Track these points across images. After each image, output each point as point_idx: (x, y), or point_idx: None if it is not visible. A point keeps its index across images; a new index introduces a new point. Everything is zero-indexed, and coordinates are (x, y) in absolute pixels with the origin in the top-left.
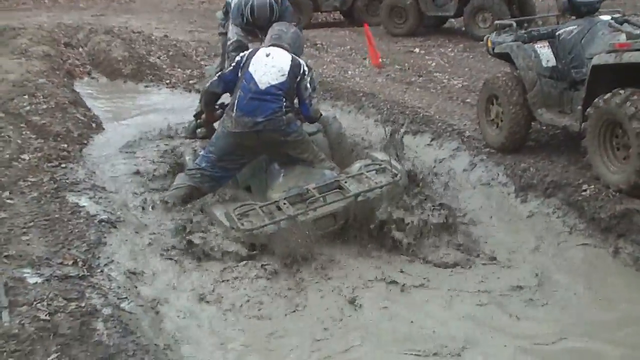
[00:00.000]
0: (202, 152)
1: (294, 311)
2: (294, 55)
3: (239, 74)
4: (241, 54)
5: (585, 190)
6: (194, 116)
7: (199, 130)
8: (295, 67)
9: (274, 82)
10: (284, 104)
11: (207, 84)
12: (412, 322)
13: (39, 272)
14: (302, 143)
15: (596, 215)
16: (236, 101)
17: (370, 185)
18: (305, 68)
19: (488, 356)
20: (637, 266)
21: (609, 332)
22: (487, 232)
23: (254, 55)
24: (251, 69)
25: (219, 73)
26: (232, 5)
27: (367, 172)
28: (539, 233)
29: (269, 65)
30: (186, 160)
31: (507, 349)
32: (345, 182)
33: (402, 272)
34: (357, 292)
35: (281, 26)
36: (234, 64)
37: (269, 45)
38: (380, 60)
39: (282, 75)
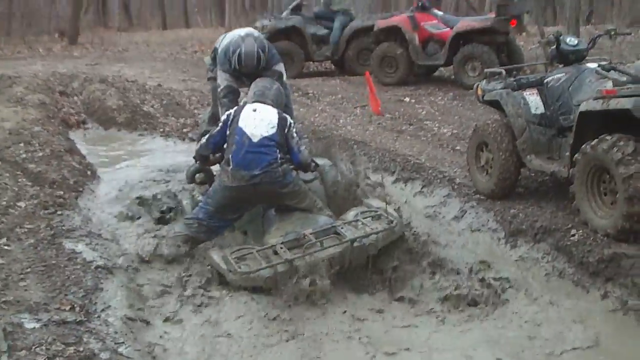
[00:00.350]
0: (200, 203)
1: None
2: (278, 110)
3: (228, 132)
4: (227, 112)
5: (573, 235)
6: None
7: (197, 175)
8: (282, 120)
9: (265, 134)
10: (278, 155)
11: (197, 146)
12: None
13: (36, 317)
14: (299, 194)
15: (585, 260)
16: (231, 156)
17: (366, 231)
18: (291, 121)
19: None
20: (625, 310)
21: None
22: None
23: (240, 111)
24: (241, 124)
25: (207, 136)
26: (220, 51)
27: (363, 218)
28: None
29: (257, 119)
30: (184, 205)
31: None
32: (342, 228)
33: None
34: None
35: (264, 82)
36: (221, 124)
37: (253, 102)
38: (380, 108)
39: (272, 127)
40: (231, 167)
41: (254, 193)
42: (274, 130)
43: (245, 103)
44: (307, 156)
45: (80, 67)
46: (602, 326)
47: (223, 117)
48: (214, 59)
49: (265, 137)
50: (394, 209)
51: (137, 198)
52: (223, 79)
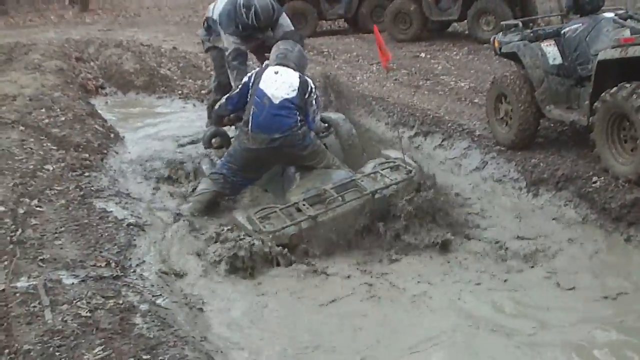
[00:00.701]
0: (221, 160)
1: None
2: (300, 74)
3: (249, 93)
4: (248, 75)
5: (595, 182)
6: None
7: (214, 139)
8: (303, 83)
9: (286, 96)
10: (298, 118)
11: (216, 107)
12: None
13: (74, 273)
14: (318, 154)
15: (607, 206)
16: (250, 117)
17: (385, 182)
18: (312, 86)
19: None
20: None
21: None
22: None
23: (262, 73)
24: (262, 85)
25: (227, 96)
26: (219, 15)
27: (382, 170)
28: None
29: (279, 81)
30: (203, 169)
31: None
32: (361, 181)
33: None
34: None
35: (286, 45)
36: (240, 85)
37: (275, 64)
38: (389, 63)
39: (293, 90)
40: (250, 129)
41: (273, 155)
42: (294, 93)
43: (267, 65)
44: (320, 126)
45: (94, 33)
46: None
47: (244, 79)
48: (207, 28)
49: (286, 99)
50: (412, 159)
51: (161, 160)
52: (230, 42)
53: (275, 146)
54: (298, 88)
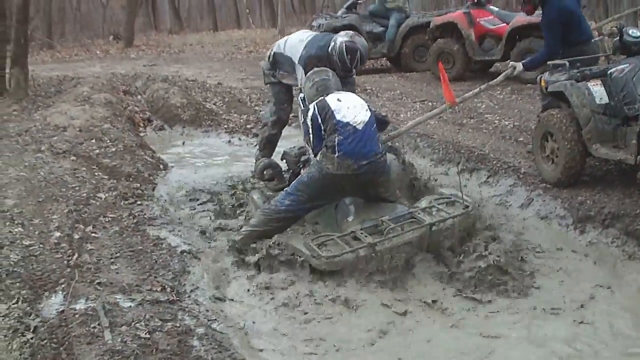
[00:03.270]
0: (286, 190)
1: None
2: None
3: (324, 128)
4: (309, 114)
5: None
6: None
7: (265, 171)
8: (365, 102)
9: (365, 119)
10: (381, 145)
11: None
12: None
13: (130, 297)
14: (389, 182)
15: None
16: (337, 143)
17: (442, 216)
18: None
19: None
20: None
21: None
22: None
23: (327, 105)
24: (338, 116)
25: (309, 147)
26: (305, 59)
27: (438, 204)
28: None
29: (350, 106)
30: (254, 199)
31: None
32: (418, 214)
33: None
34: None
35: (320, 74)
36: (315, 130)
37: (326, 96)
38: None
39: (366, 110)
40: (338, 155)
41: (355, 182)
42: (369, 113)
43: (321, 99)
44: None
45: (139, 68)
46: None
47: (308, 122)
48: (273, 63)
49: (367, 124)
50: (467, 195)
51: (209, 193)
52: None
53: (360, 173)
54: (367, 105)
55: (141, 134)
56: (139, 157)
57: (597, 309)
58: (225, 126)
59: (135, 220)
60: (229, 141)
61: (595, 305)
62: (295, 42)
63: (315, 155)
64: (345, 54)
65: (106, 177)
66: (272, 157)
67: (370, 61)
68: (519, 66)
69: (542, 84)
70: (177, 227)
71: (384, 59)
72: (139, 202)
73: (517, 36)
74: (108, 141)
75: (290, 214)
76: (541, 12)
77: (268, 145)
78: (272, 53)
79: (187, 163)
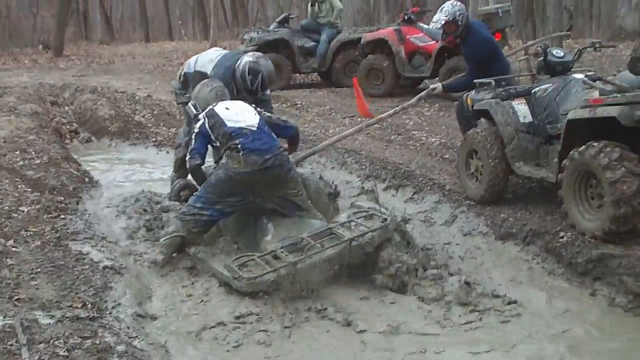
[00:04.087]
0: (193, 196)
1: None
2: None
3: (213, 136)
4: (198, 124)
5: (562, 237)
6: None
7: (182, 192)
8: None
9: (256, 122)
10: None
11: (188, 164)
12: None
13: (50, 313)
14: (298, 182)
15: (573, 260)
16: (239, 143)
17: (361, 230)
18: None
19: None
20: (613, 306)
21: None
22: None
23: (216, 114)
24: (229, 124)
25: (192, 151)
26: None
27: (357, 219)
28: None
29: (239, 112)
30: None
31: None
32: (338, 229)
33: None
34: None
35: (212, 82)
36: (199, 135)
37: (217, 103)
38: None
39: (255, 114)
40: (242, 152)
41: (262, 178)
42: (258, 116)
43: (210, 108)
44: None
45: (68, 79)
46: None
47: (196, 129)
48: (184, 82)
49: (259, 125)
50: (385, 208)
51: (135, 205)
52: None
53: (267, 166)
54: (255, 109)
55: (67, 146)
56: (64, 170)
57: None
58: (154, 139)
59: (57, 235)
60: (157, 154)
61: None
62: (205, 62)
63: (191, 156)
64: (247, 74)
65: (29, 189)
66: (188, 178)
67: (300, 76)
68: (439, 87)
69: (468, 101)
70: (100, 242)
71: (315, 73)
72: (62, 216)
73: (446, 54)
74: (33, 153)
75: (204, 217)
76: (460, 43)
77: (183, 165)
78: (182, 73)
79: (114, 176)
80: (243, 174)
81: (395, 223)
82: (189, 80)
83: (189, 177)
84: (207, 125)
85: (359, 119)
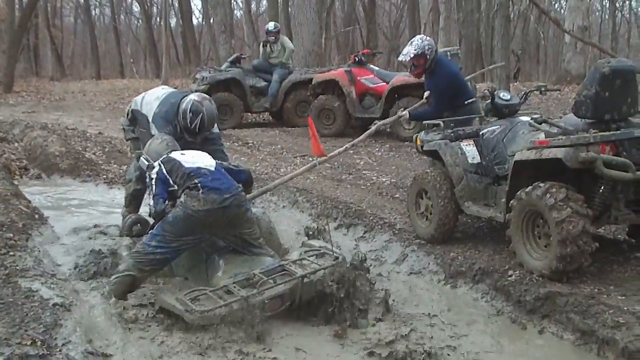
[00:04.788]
0: (150, 234)
1: None
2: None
3: (172, 180)
4: (154, 170)
5: (510, 276)
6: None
7: (134, 227)
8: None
9: (213, 163)
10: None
11: (152, 210)
12: None
13: None
14: (253, 221)
15: (522, 298)
16: (199, 182)
17: (313, 267)
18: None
19: None
20: (561, 343)
21: None
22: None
23: (172, 159)
24: (187, 165)
25: (155, 196)
26: (153, 115)
27: (308, 257)
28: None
29: (195, 155)
30: (124, 257)
31: None
32: (290, 266)
33: None
34: None
35: (161, 137)
36: (158, 182)
37: (169, 152)
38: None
39: (209, 157)
40: (202, 191)
41: (221, 217)
42: (213, 161)
43: (164, 156)
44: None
45: (18, 115)
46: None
47: (153, 175)
48: (132, 119)
49: (216, 166)
50: (337, 248)
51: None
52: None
53: (226, 205)
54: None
55: (16, 183)
56: (13, 207)
57: None
58: (105, 176)
59: (6, 272)
60: (108, 192)
61: None
62: (151, 100)
63: (154, 202)
64: (188, 112)
65: None
66: (139, 213)
67: (252, 115)
68: (406, 114)
69: (418, 142)
70: (50, 279)
71: (267, 113)
72: (11, 253)
73: (396, 95)
74: None
75: (158, 255)
76: (427, 76)
77: (134, 201)
78: (130, 110)
79: (64, 213)
80: (202, 212)
81: (346, 263)
82: (136, 118)
83: (140, 212)
84: (164, 170)
85: (310, 159)
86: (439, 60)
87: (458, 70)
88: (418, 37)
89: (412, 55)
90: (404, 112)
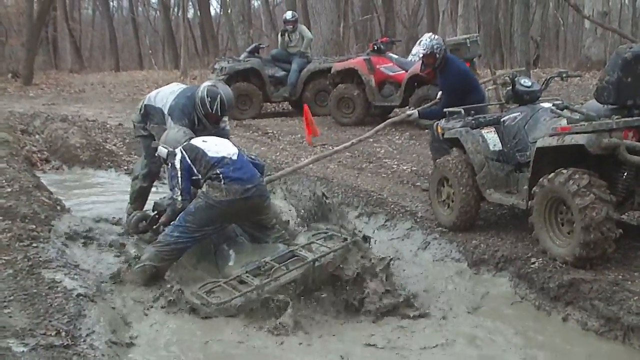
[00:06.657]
0: (174, 223)
1: None
2: None
3: (196, 169)
4: (177, 158)
5: (534, 263)
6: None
7: (140, 224)
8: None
9: (235, 151)
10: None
11: (176, 204)
12: None
13: (24, 342)
14: (270, 207)
15: (545, 285)
16: (221, 173)
17: (323, 251)
18: None
19: None
20: (585, 330)
21: None
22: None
23: (195, 147)
24: (210, 154)
25: (183, 190)
26: (169, 108)
27: (317, 240)
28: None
29: (217, 143)
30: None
31: None
32: (300, 251)
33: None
34: None
35: (172, 132)
36: (183, 172)
37: (190, 140)
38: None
39: (232, 145)
40: (224, 182)
41: (243, 207)
42: (235, 148)
43: (186, 143)
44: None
45: (38, 107)
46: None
47: (177, 165)
48: (144, 115)
49: (239, 154)
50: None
51: (107, 234)
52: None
53: (248, 196)
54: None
55: (38, 175)
56: (35, 198)
57: None
58: (125, 167)
59: (30, 263)
60: (129, 182)
61: None
62: (167, 94)
63: (183, 197)
64: (206, 97)
65: (0, 218)
66: (144, 210)
67: (272, 105)
68: (415, 113)
69: (439, 130)
70: (73, 270)
71: (286, 102)
72: (34, 244)
73: (416, 83)
74: (3, 181)
75: (180, 245)
76: (438, 74)
77: (139, 198)
78: (143, 105)
79: (85, 204)
80: (224, 203)
81: (356, 241)
82: (149, 113)
83: (145, 209)
84: (187, 159)
85: (330, 147)
86: (449, 58)
87: (468, 69)
88: (426, 35)
89: (421, 55)
90: (413, 111)
